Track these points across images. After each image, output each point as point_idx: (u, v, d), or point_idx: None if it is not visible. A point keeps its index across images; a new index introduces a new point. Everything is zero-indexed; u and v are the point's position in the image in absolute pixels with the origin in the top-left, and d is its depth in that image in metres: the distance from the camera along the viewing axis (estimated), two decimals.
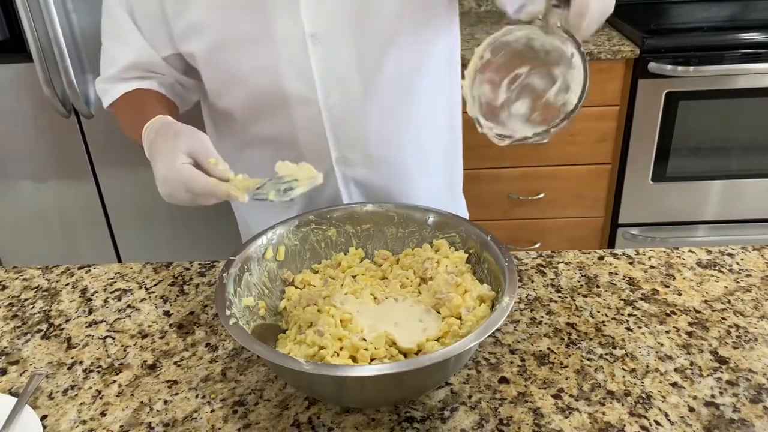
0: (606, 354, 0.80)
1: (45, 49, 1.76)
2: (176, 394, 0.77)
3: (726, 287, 0.92)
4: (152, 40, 0.95)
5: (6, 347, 0.87)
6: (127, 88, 0.98)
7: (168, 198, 0.77)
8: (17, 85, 1.86)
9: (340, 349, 0.73)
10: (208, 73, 0.98)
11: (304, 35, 0.90)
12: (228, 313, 0.72)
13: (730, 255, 0.99)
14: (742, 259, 0.98)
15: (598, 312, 0.88)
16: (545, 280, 0.95)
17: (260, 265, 0.84)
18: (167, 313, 0.92)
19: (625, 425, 0.70)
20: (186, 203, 0.77)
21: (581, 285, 0.94)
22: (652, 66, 1.97)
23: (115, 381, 0.80)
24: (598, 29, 0.73)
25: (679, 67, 1.95)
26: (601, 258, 1.00)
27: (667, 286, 0.93)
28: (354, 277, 0.85)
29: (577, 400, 0.74)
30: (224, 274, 0.77)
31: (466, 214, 1.21)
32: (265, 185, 0.75)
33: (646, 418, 0.71)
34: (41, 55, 1.76)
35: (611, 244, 2.29)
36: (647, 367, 0.78)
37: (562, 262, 0.99)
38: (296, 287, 0.86)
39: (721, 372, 0.77)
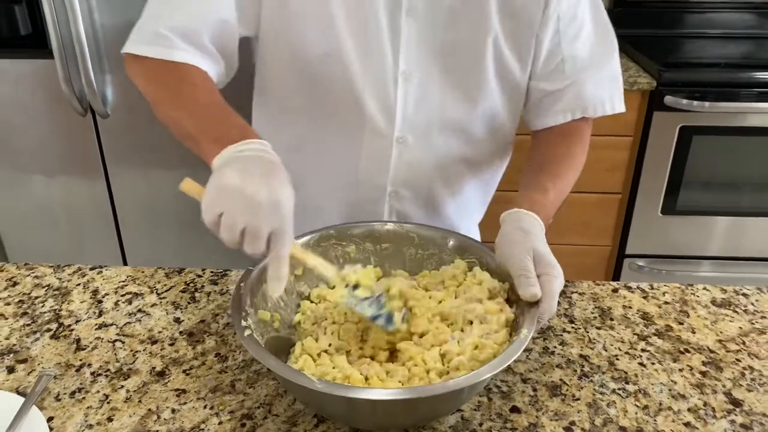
0: (619, 389, 0.80)
1: (66, 46, 1.76)
2: (184, 403, 0.77)
3: (741, 328, 0.91)
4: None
5: (15, 345, 0.87)
6: (192, 60, 0.87)
7: (228, 218, 0.66)
8: (36, 81, 1.87)
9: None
10: (284, 63, 0.95)
11: (397, 71, 0.93)
12: (243, 324, 0.71)
13: (744, 295, 0.99)
14: (757, 300, 0.98)
15: (612, 345, 0.88)
16: (559, 310, 0.94)
17: None
18: (178, 320, 0.92)
19: None
20: (236, 238, 0.67)
21: (595, 317, 0.93)
22: (668, 99, 1.97)
23: (123, 386, 0.79)
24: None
25: (695, 102, 1.96)
26: (615, 290, 1.00)
27: (681, 323, 0.92)
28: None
29: None
30: (242, 284, 0.77)
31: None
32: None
33: None
34: (62, 52, 1.76)
35: (617, 274, 2.29)
36: (660, 404, 0.77)
37: (576, 292, 0.99)
38: (312, 302, 0.86)
39: (735, 414, 0.76)
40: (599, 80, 0.99)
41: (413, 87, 0.95)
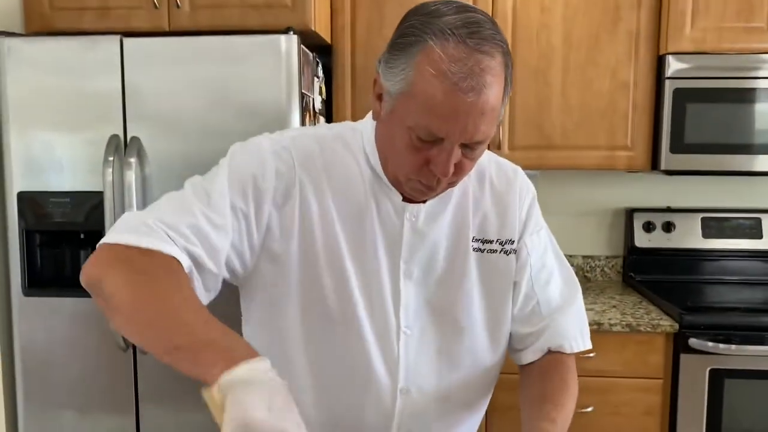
0: None
1: None
2: None
3: None
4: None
5: None
6: (179, 257, 0.88)
7: None
8: (87, 317, 1.99)
9: None
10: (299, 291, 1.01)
11: (399, 327, 1.03)
12: None
13: None
14: None
15: None
16: None
17: None
18: None
19: None
20: None
21: None
22: (693, 342, 2.00)
23: None
24: None
25: (721, 345, 1.98)
26: None
27: None
28: None
29: None
30: None
31: None
32: None
33: None
34: None
35: None
36: None
37: None
38: None
39: None
40: (570, 319, 1.11)
41: (413, 341, 1.04)
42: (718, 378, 2.01)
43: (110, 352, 1.99)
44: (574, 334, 1.11)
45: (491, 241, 1.06)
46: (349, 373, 1.03)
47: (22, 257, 1.99)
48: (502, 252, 1.06)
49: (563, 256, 1.15)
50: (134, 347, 1.99)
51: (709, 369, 2.01)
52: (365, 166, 1.02)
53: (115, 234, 0.88)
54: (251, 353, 0.75)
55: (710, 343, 1.98)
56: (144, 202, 1.92)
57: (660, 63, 2.28)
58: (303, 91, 1.96)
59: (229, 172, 0.97)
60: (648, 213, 2.58)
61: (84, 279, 0.88)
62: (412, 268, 1.03)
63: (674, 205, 2.62)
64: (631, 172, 2.50)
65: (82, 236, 2.05)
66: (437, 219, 1.04)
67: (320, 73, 2.28)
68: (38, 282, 2.02)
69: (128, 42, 1.90)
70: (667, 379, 2.06)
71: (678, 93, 2.24)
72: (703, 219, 2.55)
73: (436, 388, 1.06)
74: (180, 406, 2.01)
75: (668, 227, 2.55)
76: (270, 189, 0.97)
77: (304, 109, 1.99)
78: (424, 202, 1.03)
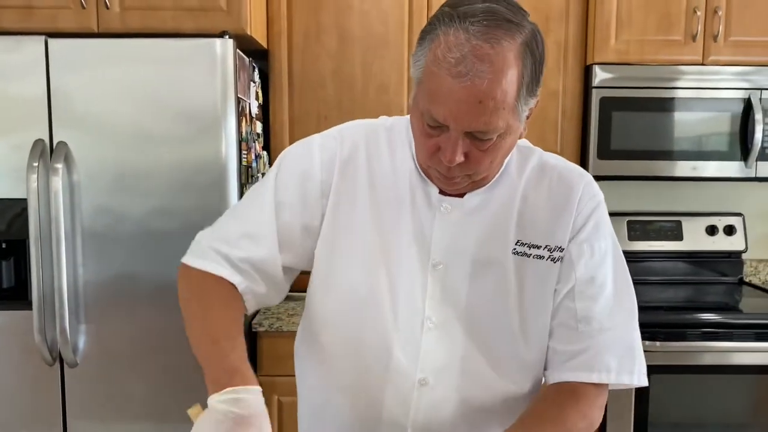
0: None
1: (46, 297, 1.84)
2: None
3: None
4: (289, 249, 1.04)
5: None
6: (230, 277, 1.01)
7: None
8: (9, 331, 1.89)
9: None
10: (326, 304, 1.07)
11: (424, 316, 1.02)
12: None
13: None
14: None
15: None
16: None
17: None
18: None
19: None
20: None
21: None
22: None
23: None
24: None
25: (646, 342, 2.06)
26: None
27: None
28: None
29: None
30: None
31: None
32: None
33: None
34: (41, 303, 1.83)
35: None
36: None
37: None
38: None
39: None
40: (612, 345, 1.00)
41: (437, 333, 1.02)
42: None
43: (36, 366, 1.89)
44: (610, 364, 0.98)
45: (538, 247, 1.01)
46: (371, 359, 1.03)
47: None
48: (550, 259, 1.01)
49: (628, 277, 1.05)
50: (61, 360, 1.90)
51: None
52: (409, 158, 1.04)
53: (186, 255, 1.04)
54: (228, 383, 0.84)
55: None
56: (72, 210, 1.85)
57: (587, 73, 2.37)
58: (239, 95, 1.94)
59: (279, 169, 1.05)
60: None
61: None
62: (441, 261, 1.01)
63: None
64: None
65: (3, 246, 1.95)
66: (474, 215, 1.02)
67: (256, 77, 2.25)
68: None
69: (54, 43, 1.83)
70: None
71: (604, 102, 2.33)
72: (628, 222, 2.66)
73: (457, 386, 1.03)
74: (110, 420, 1.93)
75: None
76: (317, 180, 1.03)
77: (240, 113, 1.97)
78: (461, 196, 1.02)
